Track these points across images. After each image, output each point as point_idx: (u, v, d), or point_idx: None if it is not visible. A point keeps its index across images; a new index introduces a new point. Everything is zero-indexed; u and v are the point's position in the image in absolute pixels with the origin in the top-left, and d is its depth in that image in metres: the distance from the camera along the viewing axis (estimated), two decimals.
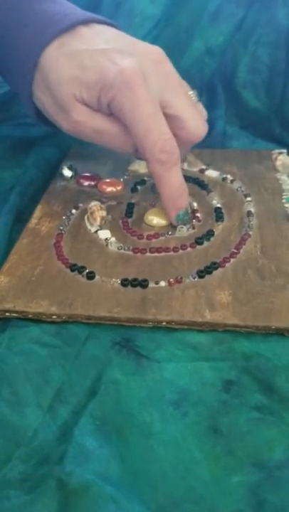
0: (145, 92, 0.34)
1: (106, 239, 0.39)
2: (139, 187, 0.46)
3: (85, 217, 0.41)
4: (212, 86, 0.57)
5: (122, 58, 0.35)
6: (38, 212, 0.42)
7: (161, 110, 0.35)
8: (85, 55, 0.35)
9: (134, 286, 0.34)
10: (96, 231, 0.40)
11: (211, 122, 0.55)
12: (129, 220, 0.41)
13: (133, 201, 0.44)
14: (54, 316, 0.32)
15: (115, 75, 0.34)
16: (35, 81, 0.37)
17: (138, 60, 0.35)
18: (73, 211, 0.43)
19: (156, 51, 0.37)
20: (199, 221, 0.41)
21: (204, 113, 0.40)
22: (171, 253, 0.38)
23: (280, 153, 0.50)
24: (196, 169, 0.49)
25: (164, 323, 0.32)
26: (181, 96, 0.37)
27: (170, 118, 0.36)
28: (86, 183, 0.46)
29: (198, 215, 0.42)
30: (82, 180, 0.46)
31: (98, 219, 0.40)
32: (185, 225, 0.40)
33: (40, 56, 0.36)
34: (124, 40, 0.37)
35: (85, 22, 0.37)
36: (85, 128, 0.37)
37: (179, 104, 0.36)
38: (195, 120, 0.37)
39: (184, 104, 0.37)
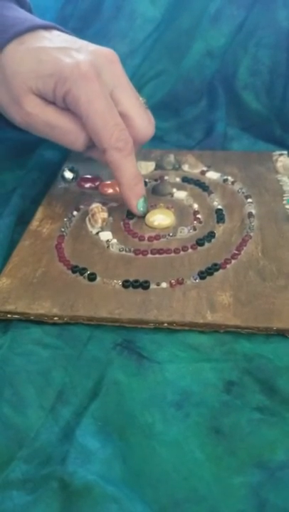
0: (100, 86, 0.36)
1: (107, 240, 0.39)
2: None
3: (87, 218, 0.41)
4: (213, 88, 0.57)
5: (78, 54, 0.37)
6: (39, 214, 0.43)
7: (113, 104, 0.37)
8: (42, 51, 0.37)
9: (135, 287, 0.34)
10: (97, 233, 0.40)
11: (211, 124, 0.56)
12: (131, 221, 0.41)
13: None
14: (56, 318, 0.32)
15: (71, 68, 0.35)
16: None
17: (93, 57, 0.37)
18: (74, 213, 0.43)
19: (110, 52, 0.39)
20: (200, 222, 0.41)
21: (152, 119, 0.41)
22: (173, 254, 0.38)
23: (281, 154, 0.50)
24: (197, 171, 0.49)
25: (166, 325, 0.32)
26: (130, 95, 0.39)
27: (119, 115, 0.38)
28: (87, 185, 0.46)
29: (199, 216, 0.42)
30: (83, 182, 0.46)
31: (99, 221, 0.40)
32: (144, 214, 0.41)
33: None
34: (81, 42, 0.39)
35: (45, 27, 0.39)
36: (36, 120, 0.38)
37: (128, 102, 0.38)
38: (142, 119, 0.39)
39: (133, 104, 0.39)
